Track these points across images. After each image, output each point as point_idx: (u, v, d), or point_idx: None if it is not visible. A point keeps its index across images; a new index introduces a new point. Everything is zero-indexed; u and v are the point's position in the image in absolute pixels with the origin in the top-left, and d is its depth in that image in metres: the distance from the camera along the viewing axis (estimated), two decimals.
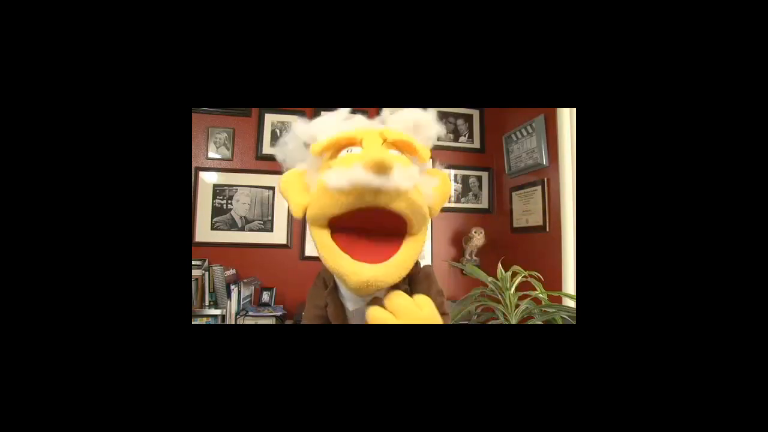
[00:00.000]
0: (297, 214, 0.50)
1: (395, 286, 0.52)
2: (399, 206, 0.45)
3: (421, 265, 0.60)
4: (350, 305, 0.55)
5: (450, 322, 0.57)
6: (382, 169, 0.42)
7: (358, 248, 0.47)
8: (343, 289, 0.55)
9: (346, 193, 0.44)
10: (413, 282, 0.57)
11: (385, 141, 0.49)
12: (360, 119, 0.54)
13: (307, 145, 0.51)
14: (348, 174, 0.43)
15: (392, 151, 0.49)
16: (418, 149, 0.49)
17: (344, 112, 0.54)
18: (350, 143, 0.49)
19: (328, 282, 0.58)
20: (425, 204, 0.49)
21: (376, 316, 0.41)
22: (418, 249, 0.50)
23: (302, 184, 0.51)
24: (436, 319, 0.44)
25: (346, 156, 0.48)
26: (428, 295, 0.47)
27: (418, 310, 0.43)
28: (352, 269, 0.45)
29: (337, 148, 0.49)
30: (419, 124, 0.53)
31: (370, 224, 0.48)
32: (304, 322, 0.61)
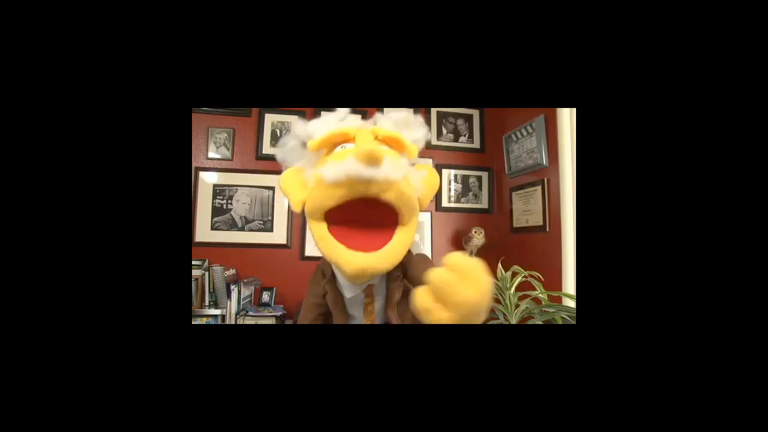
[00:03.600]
0: (296, 208, 0.54)
1: (389, 274, 0.57)
2: (389, 196, 0.48)
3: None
4: (347, 293, 0.60)
5: None
6: (372, 160, 0.45)
7: (353, 239, 0.50)
8: (340, 278, 0.59)
9: (339, 184, 0.47)
10: (409, 268, 0.59)
11: (376, 137, 0.52)
12: (353, 119, 0.58)
13: (304, 145, 0.55)
14: (342, 166, 0.46)
15: (383, 146, 0.52)
16: (406, 145, 0.53)
17: (341, 113, 0.57)
18: (344, 139, 0.52)
19: (326, 272, 0.62)
20: (414, 195, 0.52)
21: (420, 294, 0.39)
22: (409, 238, 0.53)
23: (300, 181, 0.55)
24: (487, 277, 0.40)
25: (340, 151, 0.51)
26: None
27: (477, 266, 0.39)
28: (347, 258, 0.49)
29: (332, 144, 0.53)
30: (407, 124, 0.57)
31: (364, 217, 0.50)
32: (301, 310, 0.66)
